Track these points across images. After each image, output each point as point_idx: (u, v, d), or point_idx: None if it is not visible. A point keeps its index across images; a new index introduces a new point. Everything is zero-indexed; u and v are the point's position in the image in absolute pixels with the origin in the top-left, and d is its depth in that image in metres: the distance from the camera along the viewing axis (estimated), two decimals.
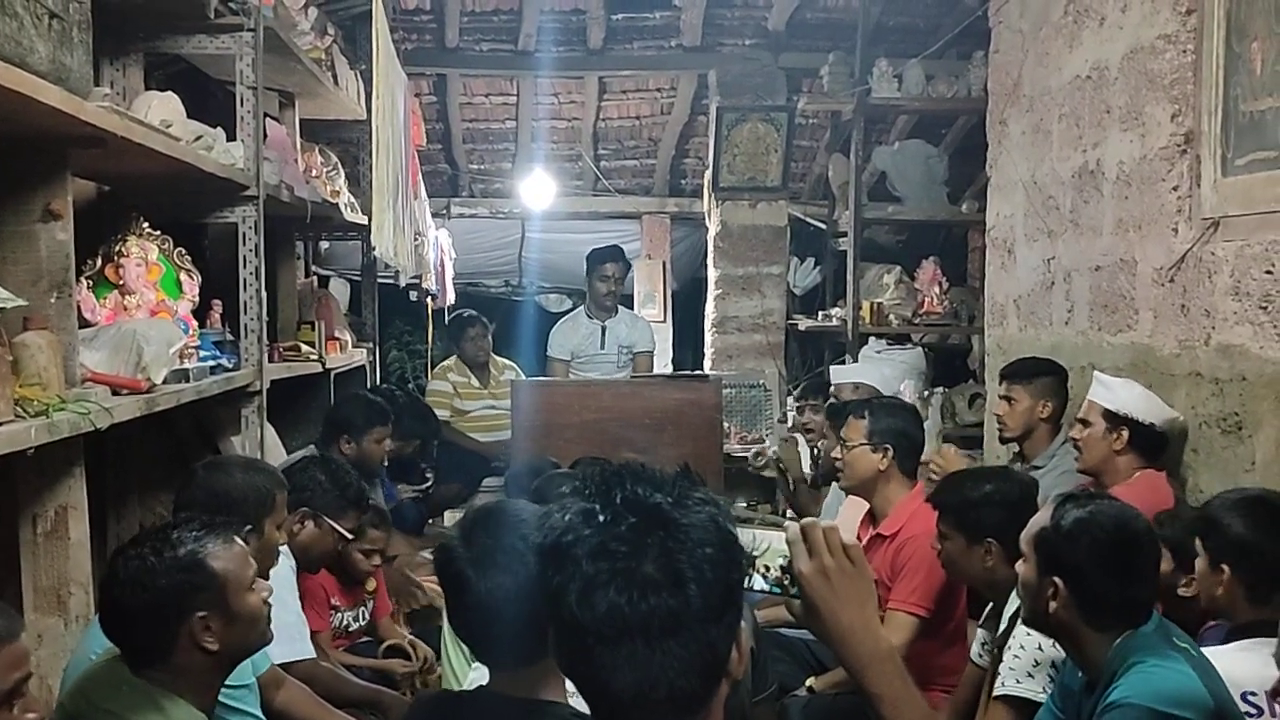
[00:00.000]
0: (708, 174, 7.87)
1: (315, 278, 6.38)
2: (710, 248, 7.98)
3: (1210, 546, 2.36)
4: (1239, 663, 2.15)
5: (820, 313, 7.48)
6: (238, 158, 3.51)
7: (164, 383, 2.94)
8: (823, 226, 7.93)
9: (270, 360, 3.92)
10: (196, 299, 3.46)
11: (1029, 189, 4.42)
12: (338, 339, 5.20)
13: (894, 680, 1.41)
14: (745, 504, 5.12)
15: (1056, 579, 2.13)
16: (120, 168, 3.09)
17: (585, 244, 6.59)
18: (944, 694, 3.14)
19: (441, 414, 6.00)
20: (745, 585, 1.28)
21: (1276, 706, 2.09)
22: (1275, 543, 2.30)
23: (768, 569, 1.42)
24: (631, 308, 7.54)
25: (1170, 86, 3.35)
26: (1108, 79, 3.76)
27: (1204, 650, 2.24)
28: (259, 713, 2.45)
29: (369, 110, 5.05)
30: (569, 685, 1.36)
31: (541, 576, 1.21)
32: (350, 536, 3.39)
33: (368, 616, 3.72)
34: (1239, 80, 3.02)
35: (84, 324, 2.92)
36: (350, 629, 3.66)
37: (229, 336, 3.71)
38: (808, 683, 3.35)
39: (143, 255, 3.31)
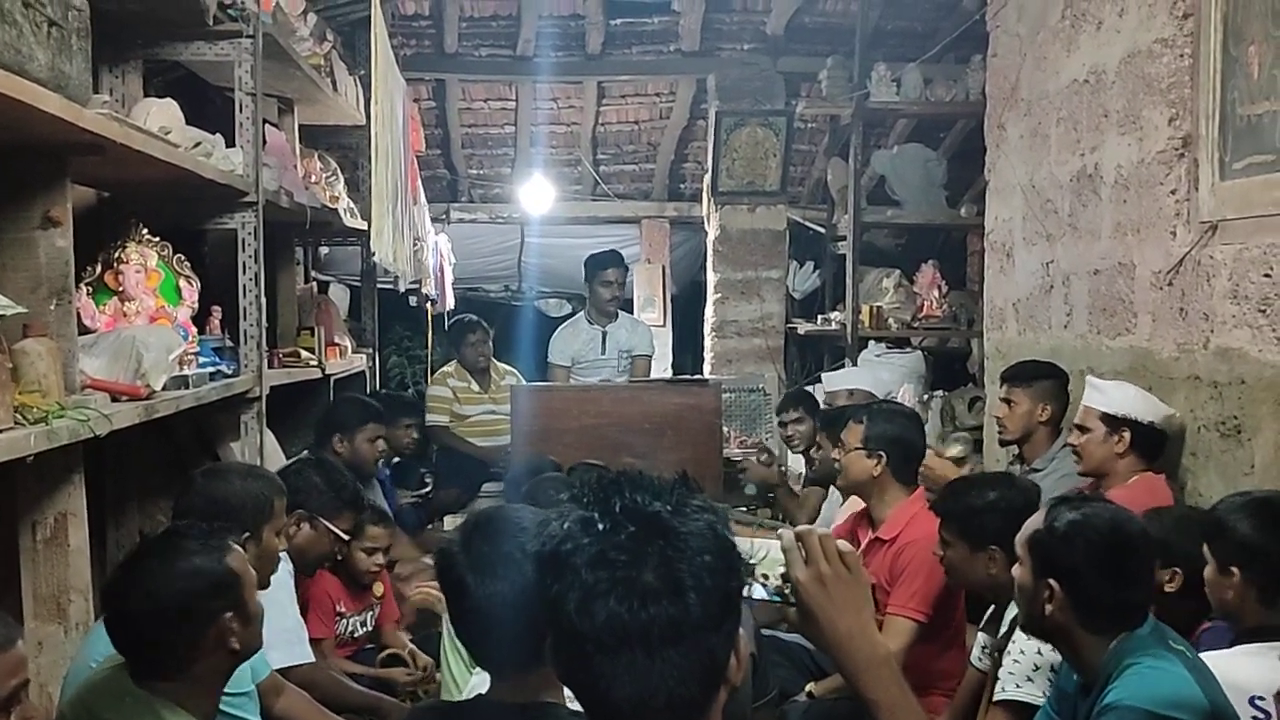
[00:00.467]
0: (707, 178, 7.87)
1: (315, 283, 6.38)
2: (709, 252, 7.98)
3: (1219, 550, 2.34)
4: (1246, 667, 2.14)
5: (820, 317, 7.48)
6: (237, 164, 3.51)
7: (163, 389, 2.94)
8: (822, 230, 7.93)
9: (270, 366, 3.92)
10: (196, 305, 3.46)
11: (1027, 193, 4.42)
12: (337, 345, 5.20)
13: (891, 686, 1.41)
14: (744, 508, 5.11)
15: (1052, 581, 2.13)
16: (120, 174, 3.09)
17: (584, 248, 6.60)
18: (944, 698, 3.14)
19: (441, 419, 5.99)
20: (745, 594, 1.28)
21: None
22: None
23: (767, 577, 1.42)
24: (631, 312, 7.55)
25: (1168, 90, 3.35)
26: (1105, 83, 3.77)
27: (1211, 654, 2.24)
28: None
29: (368, 116, 5.06)
30: (567, 691, 1.36)
31: (540, 585, 1.21)
32: (347, 538, 3.39)
33: (373, 623, 3.72)
34: (1236, 84, 3.03)
35: (83, 331, 2.92)
36: (355, 635, 3.65)
37: (228, 343, 3.71)
38: (807, 688, 3.35)
39: (142, 262, 3.31)
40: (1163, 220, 3.40)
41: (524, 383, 6.12)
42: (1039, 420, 3.78)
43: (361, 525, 3.49)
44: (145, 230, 3.37)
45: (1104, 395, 3.27)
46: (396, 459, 5.51)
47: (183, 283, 3.42)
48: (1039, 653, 2.50)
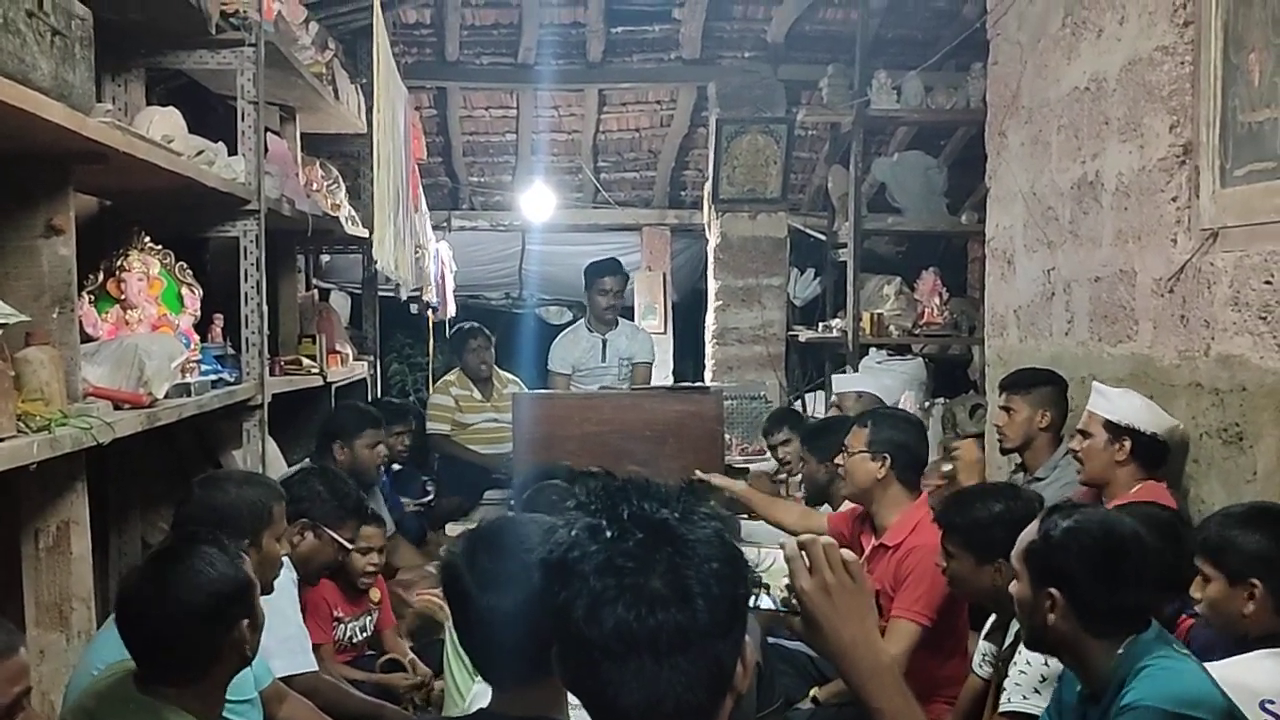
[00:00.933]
0: (707, 186, 7.88)
1: (316, 291, 6.39)
2: (710, 259, 7.99)
3: (1230, 565, 2.30)
4: (1257, 671, 2.14)
5: (820, 324, 7.48)
6: (239, 172, 3.52)
7: (166, 397, 2.95)
8: (822, 238, 7.94)
9: (271, 374, 3.93)
10: (198, 313, 3.47)
11: (1028, 200, 4.42)
12: (339, 352, 5.20)
13: (894, 695, 1.41)
14: (745, 515, 5.11)
15: (1053, 590, 2.12)
16: (122, 183, 3.10)
17: (585, 256, 6.60)
18: (947, 705, 3.13)
19: (442, 428, 6.00)
20: (753, 604, 1.29)
21: None
22: None
23: (768, 587, 1.42)
24: (632, 320, 7.55)
25: (1168, 98, 3.35)
26: (1106, 90, 3.77)
27: (1225, 660, 2.24)
28: None
29: (370, 124, 5.07)
30: (572, 700, 1.36)
31: (547, 592, 1.21)
32: (350, 546, 3.39)
33: (371, 628, 3.72)
34: (1237, 91, 3.03)
35: (86, 339, 2.93)
36: (355, 641, 3.65)
37: (230, 350, 3.72)
38: (811, 693, 3.34)
39: (144, 270, 3.32)
40: (1164, 227, 3.40)
41: (526, 390, 6.12)
42: (1039, 427, 3.78)
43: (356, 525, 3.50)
44: (147, 238, 3.38)
45: (1109, 402, 3.27)
46: (396, 466, 5.51)
47: (185, 291, 3.42)
48: (1045, 664, 2.49)
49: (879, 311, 6.80)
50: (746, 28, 7.25)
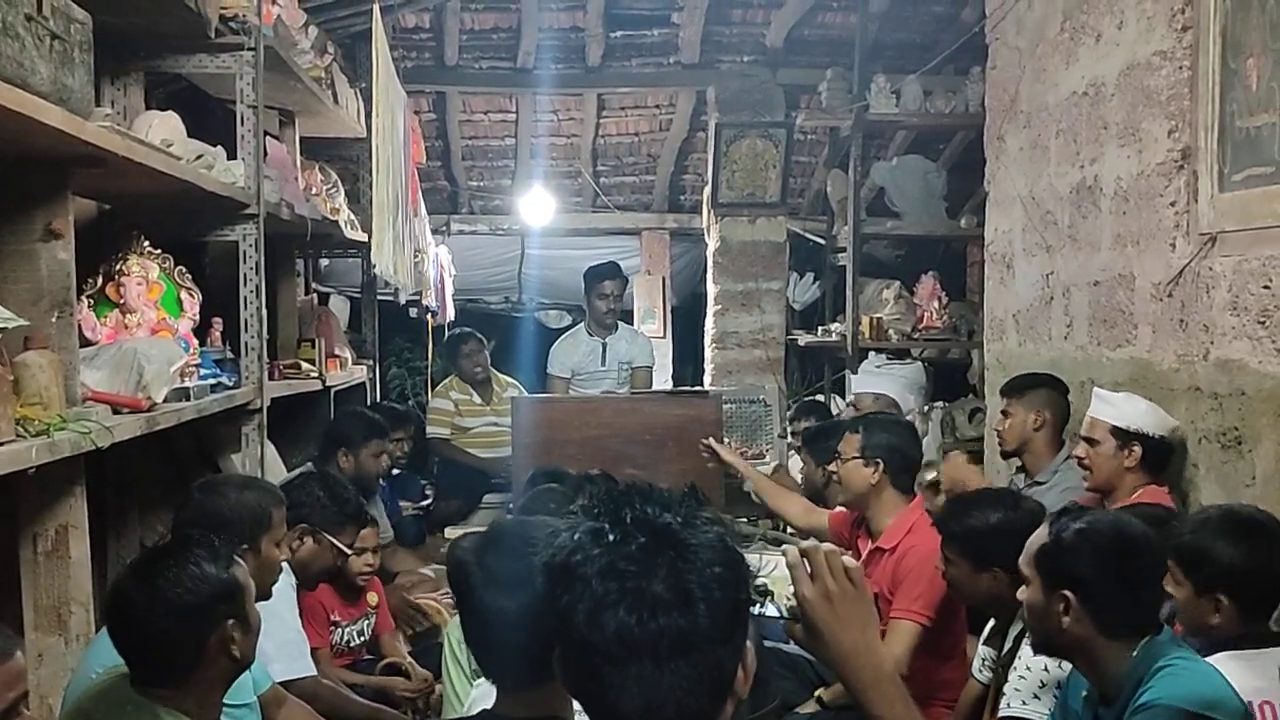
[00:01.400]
0: (707, 190, 7.89)
1: (315, 295, 6.39)
2: (709, 263, 7.99)
3: (1201, 576, 2.29)
4: (1229, 672, 2.14)
5: (820, 328, 7.48)
6: (238, 176, 3.52)
7: (165, 401, 2.94)
8: (822, 242, 7.94)
9: (270, 378, 3.92)
10: (197, 317, 3.47)
11: (1027, 204, 4.43)
12: (338, 356, 5.20)
13: (895, 702, 1.41)
14: (745, 519, 5.11)
15: (1066, 592, 2.11)
16: (121, 187, 3.10)
17: (585, 260, 6.61)
18: (946, 709, 3.13)
19: (442, 432, 6.00)
20: (758, 611, 1.29)
21: (1262, 716, 2.10)
22: (1271, 563, 2.27)
23: (772, 595, 1.43)
24: (632, 324, 7.55)
25: (1167, 102, 3.36)
26: (1105, 95, 3.78)
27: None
28: None
29: (369, 128, 5.07)
30: (576, 706, 1.36)
31: (550, 596, 1.21)
32: (350, 552, 3.39)
33: (369, 632, 3.71)
34: (1235, 96, 3.03)
35: (85, 343, 2.92)
36: (352, 645, 3.65)
37: (229, 354, 3.71)
38: (816, 693, 3.33)
39: (143, 274, 3.32)
40: (1162, 232, 3.40)
41: (525, 394, 6.13)
42: (1033, 429, 3.77)
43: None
44: (146, 242, 3.38)
45: (1114, 408, 3.26)
46: (395, 470, 5.51)
47: (184, 295, 3.42)
48: (1045, 669, 2.49)
49: (878, 315, 6.79)
50: (745, 32, 7.25)
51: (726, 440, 5.49)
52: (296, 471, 3.95)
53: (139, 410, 2.79)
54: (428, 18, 6.88)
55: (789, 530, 5.02)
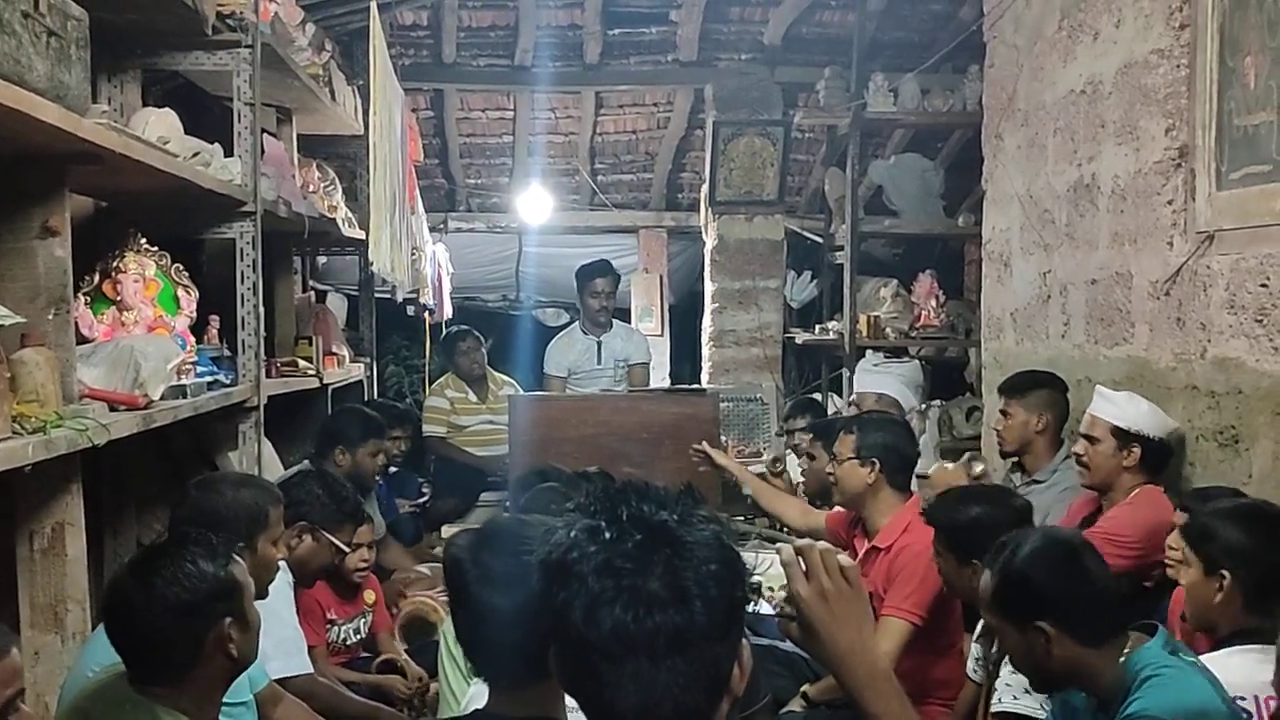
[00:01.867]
0: (704, 188, 7.88)
1: (312, 293, 6.38)
2: (707, 262, 7.99)
3: (1207, 554, 2.34)
4: (1229, 668, 2.15)
5: (817, 326, 7.48)
6: (235, 173, 3.51)
7: (161, 399, 2.94)
8: (819, 240, 7.93)
9: (267, 376, 3.92)
10: (194, 315, 3.46)
11: (1025, 203, 4.43)
12: (335, 354, 5.20)
13: (891, 700, 1.42)
14: (742, 518, 5.11)
15: (1039, 623, 2.09)
16: (118, 184, 3.10)
17: (582, 258, 6.59)
18: (942, 707, 3.14)
19: (438, 430, 5.99)
20: (751, 608, 1.29)
21: (1265, 710, 2.10)
22: (1275, 550, 2.29)
23: (774, 590, 1.43)
24: (628, 321, 7.55)
25: (1164, 101, 3.36)
26: (1102, 93, 3.78)
27: (1200, 657, 2.25)
28: None
29: (366, 125, 5.06)
30: (570, 702, 1.36)
31: (546, 593, 1.21)
32: (348, 550, 3.39)
33: (366, 630, 3.71)
34: (1233, 94, 3.04)
35: (81, 340, 2.92)
36: (349, 643, 3.65)
37: (226, 352, 3.71)
38: (802, 689, 3.34)
39: (140, 271, 3.31)
40: (1160, 230, 3.41)
41: (522, 393, 6.12)
42: (1035, 430, 3.77)
43: None
44: (143, 240, 3.37)
45: (1116, 408, 3.25)
46: (391, 469, 5.50)
47: (181, 292, 3.42)
48: None
49: (876, 314, 6.79)
50: (743, 30, 7.25)
51: (724, 439, 5.49)
52: (294, 469, 3.95)
53: (136, 408, 2.79)
54: (425, 15, 6.87)
55: (785, 529, 5.02)
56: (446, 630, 3.02)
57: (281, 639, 2.93)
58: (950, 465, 3.98)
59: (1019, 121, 4.51)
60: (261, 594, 2.43)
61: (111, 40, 3.39)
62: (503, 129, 8.09)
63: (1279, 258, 2.84)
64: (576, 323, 6.15)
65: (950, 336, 6.83)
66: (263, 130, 3.84)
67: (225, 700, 2.19)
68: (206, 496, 2.66)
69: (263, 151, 3.78)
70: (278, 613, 2.87)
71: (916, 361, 6.86)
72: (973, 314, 6.40)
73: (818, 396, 7.18)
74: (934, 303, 6.71)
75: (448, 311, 7.65)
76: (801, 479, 4.79)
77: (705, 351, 7.99)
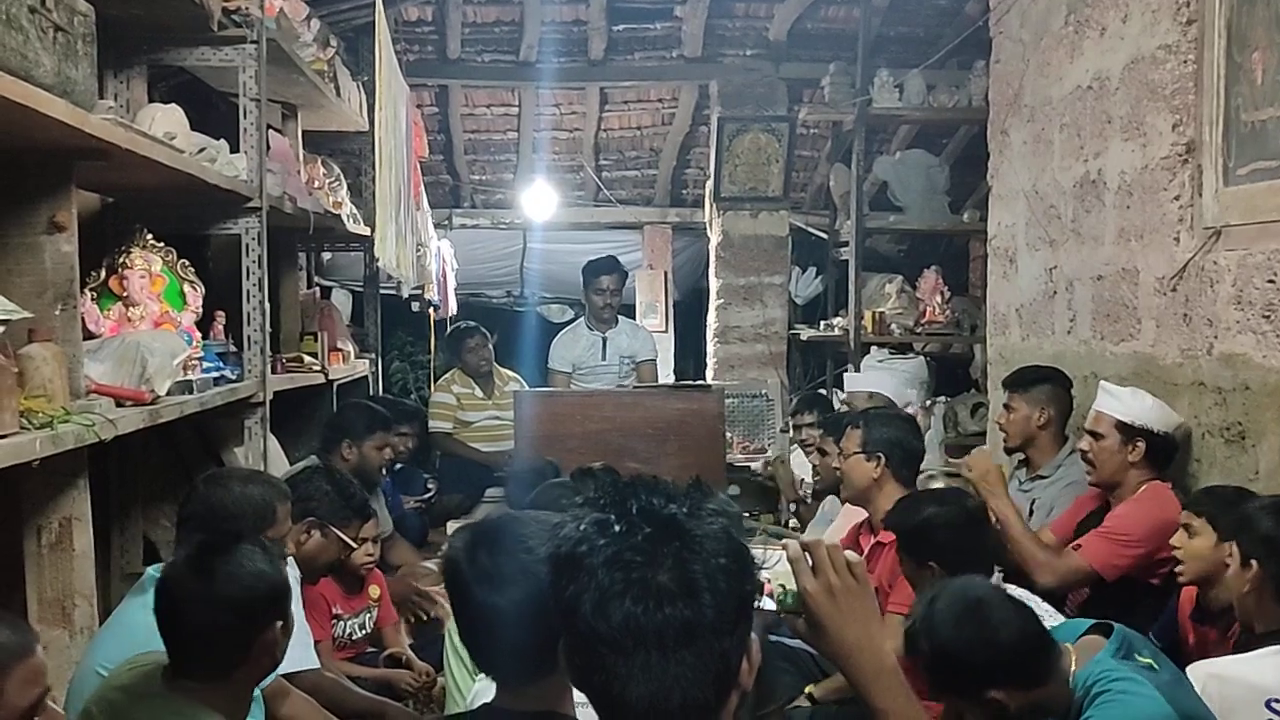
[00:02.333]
0: (709, 184, 7.88)
1: (318, 289, 6.39)
2: (712, 258, 7.98)
3: (1241, 544, 2.35)
4: (1263, 669, 2.13)
5: (822, 322, 7.48)
6: (241, 169, 3.52)
7: (168, 394, 2.95)
8: (824, 236, 7.94)
9: (273, 371, 3.93)
10: (200, 310, 3.47)
11: (1030, 198, 4.42)
12: (340, 350, 5.21)
13: (899, 696, 1.42)
14: (748, 514, 5.11)
15: (991, 694, 2.05)
16: (124, 180, 3.10)
17: (587, 254, 6.60)
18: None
19: (444, 426, 5.99)
20: (757, 605, 1.29)
21: None
22: None
23: (785, 588, 1.42)
24: (633, 317, 7.54)
25: (1171, 96, 3.35)
26: (1109, 89, 3.77)
27: (1231, 657, 2.24)
28: None
29: (371, 121, 5.07)
30: (577, 697, 1.36)
31: (555, 587, 1.21)
32: (355, 546, 3.39)
33: (371, 625, 3.71)
34: (1240, 90, 3.03)
35: (88, 336, 2.93)
36: (354, 638, 3.65)
37: (232, 348, 3.72)
38: (807, 689, 3.34)
39: (146, 267, 3.32)
40: (1166, 226, 3.40)
41: (527, 388, 6.12)
42: (1038, 425, 3.76)
43: None
44: (150, 235, 3.38)
45: (1120, 403, 3.25)
46: (398, 465, 5.51)
47: (187, 288, 3.42)
48: None
49: (881, 310, 6.79)
50: (748, 26, 7.24)
51: (728, 435, 5.48)
52: (301, 464, 3.95)
53: (142, 403, 2.79)
54: (430, 11, 6.87)
55: (791, 525, 5.02)
56: (452, 626, 3.02)
57: None
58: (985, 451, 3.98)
59: (1025, 117, 4.50)
60: None
61: (117, 36, 3.40)
62: (508, 125, 8.09)
63: None
64: (581, 319, 6.15)
65: (955, 333, 6.83)
66: (268, 126, 3.84)
67: None
68: (214, 492, 2.66)
69: (268, 147, 3.79)
70: None
71: (921, 358, 6.87)
72: (978, 310, 6.40)
73: (823, 392, 7.18)
74: (939, 299, 6.71)
75: (452, 307, 7.66)
76: (815, 476, 4.78)
77: (710, 348, 7.99)
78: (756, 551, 1.27)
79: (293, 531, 2.83)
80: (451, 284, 7.55)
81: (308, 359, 4.61)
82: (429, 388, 7.39)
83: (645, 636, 1.15)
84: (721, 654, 1.18)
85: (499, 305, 9.66)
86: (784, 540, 1.45)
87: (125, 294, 3.27)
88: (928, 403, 6.25)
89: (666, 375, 7.84)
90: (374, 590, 3.72)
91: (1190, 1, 3.25)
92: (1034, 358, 4.25)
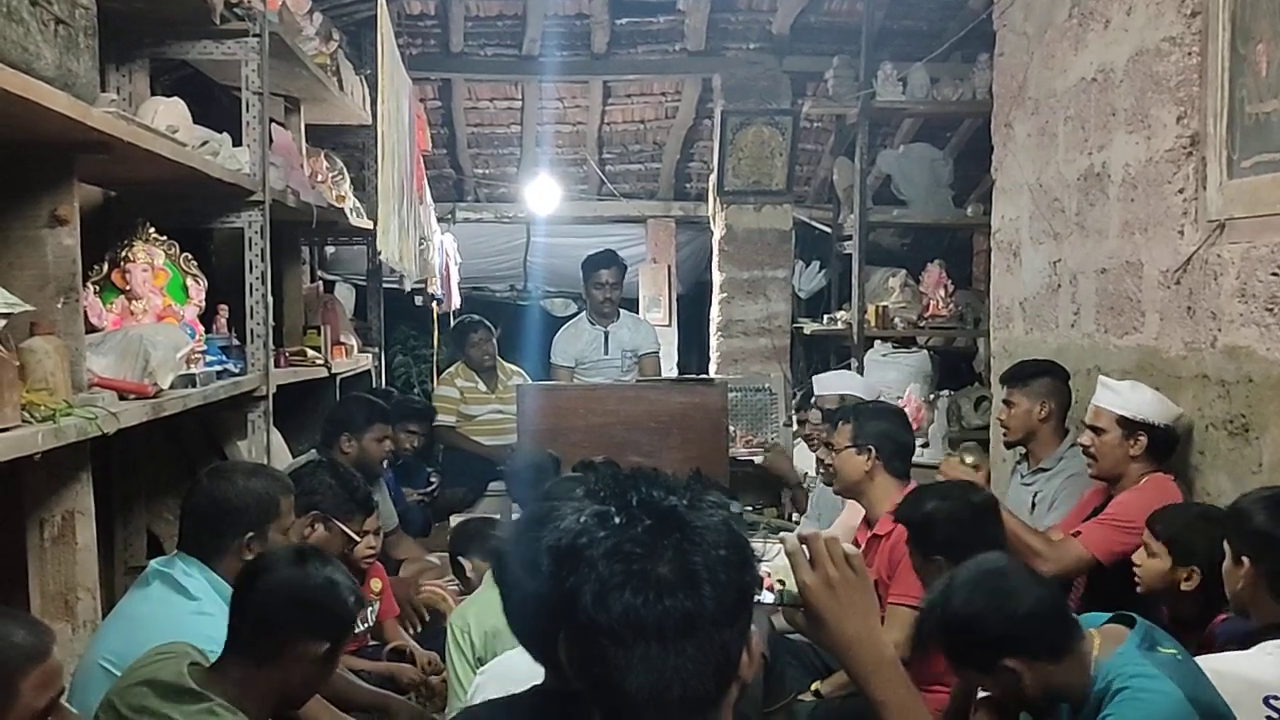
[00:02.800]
0: (712, 178, 7.87)
1: (321, 283, 6.39)
2: (715, 251, 7.98)
3: (1234, 540, 2.36)
4: (1264, 666, 2.12)
5: (826, 316, 7.48)
6: (243, 163, 3.52)
7: (170, 388, 2.95)
8: (828, 230, 7.93)
9: (276, 365, 3.93)
10: (203, 304, 3.47)
11: (1034, 192, 4.41)
12: (343, 344, 5.21)
13: (899, 687, 1.42)
14: (750, 507, 5.12)
15: (1006, 663, 2.06)
16: (127, 173, 3.10)
17: (590, 248, 6.60)
18: (948, 693, 3.13)
19: (447, 420, 6.00)
20: (756, 598, 1.28)
21: None
22: None
23: (784, 583, 1.42)
24: (636, 311, 7.54)
25: (1176, 89, 3.34)
26: (1113, 81, 3.76)
27: (1229, 653, 2.24)
28: None
29: (374, 115, 5.07)
30: None
31: (555, 579, 1.21)
32: (358, 539, 3.39)
33: (372, 618, 3.72)
34: (1244, 83, 3.02)
35: (91, 329, 2.93)
36: (356, 631, 3.65)
37: (235, 341, 3.71)
38: (813, 686, 3.34)
39: (149, 260, 3.32)
40: (1170, 219, 3.39)
41: (530, 382, 6.13)
42: (1039, 418, 3.76)
43: None
44: (152, 229, 3.38)
45: (1120, 397, 3.25)
46: (400, 460, 5.52)
47: (189, 281, 3.42)
48: None
49: (884, 304, 6.79)
50: (751, 19, 7.23)
51: (731, 428, 5.47)
52: (303, 458, 3.95)
53: (145, 396, 2.79)
54: (433, 4, 6.86)
55: (793, 518, 5.03)
56: (453, 621, 3.03)
57: None
58: (954, 459, 3.98)
59: (1029, 110, 4.49)
60: None
61: (119, 29, 3.39)
62: (510, 119, 8.08)
63: None
64: (584, 313, 6.15)
65: (959, 326, 6.82)
66: (271, 120, 3.84)
67: None
68: (218, 485, 2.65)
69: (271, 141, 3.79)
70: None
71: (925, 351, 6.87)
72: (981, 304, 6.39)
73: None
74: (943, 292, 6.71)
75: (455, 301, 7.67)
76: (819, 470, 4.78)
77: (713, 341, 7.99)
78: (756, 545, 1.27)
79: (296, 525, 2.83)
80: (455, 278, 7.56)
81: (311, 353, 4.62)
82: (432, 382, 7.40)
83: (645, 628, 1.15)
84: (722, 646, 1.18)
85: (502, 299, 9.67)
86: (782, 534, 1.45)
87: (128, 287, 3.27)
88: (931, 396, 6.25)
89: (670, 369, 7.85)
90: (375, 584, 3.72)
91: None
92: (1038, 351, 4.24)
